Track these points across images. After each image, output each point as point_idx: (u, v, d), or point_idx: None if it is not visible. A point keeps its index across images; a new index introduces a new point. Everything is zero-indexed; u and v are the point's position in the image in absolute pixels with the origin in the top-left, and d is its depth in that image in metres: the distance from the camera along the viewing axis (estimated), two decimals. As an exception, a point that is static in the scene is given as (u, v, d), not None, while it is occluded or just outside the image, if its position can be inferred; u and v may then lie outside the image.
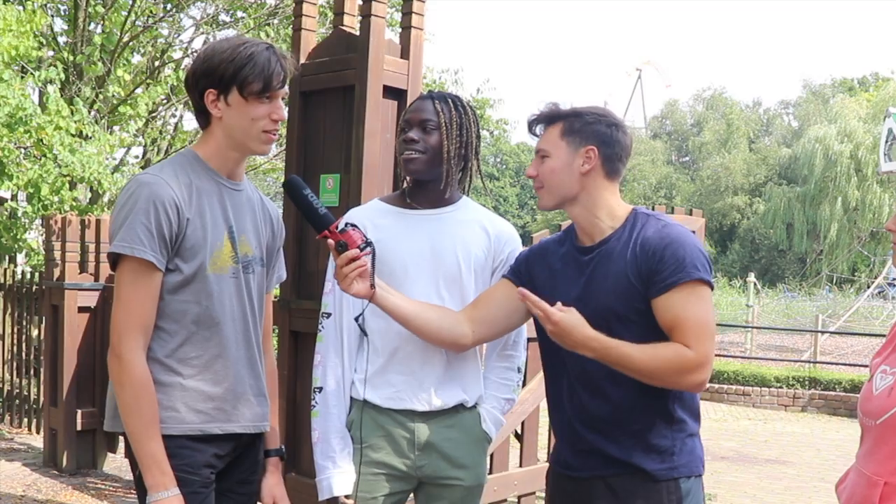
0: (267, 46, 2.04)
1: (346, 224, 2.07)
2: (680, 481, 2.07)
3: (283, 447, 2.31)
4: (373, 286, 2.11)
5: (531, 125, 2.20)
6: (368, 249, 2.07)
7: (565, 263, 2.16)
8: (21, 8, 7.17)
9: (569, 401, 2.15)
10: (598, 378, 2.07)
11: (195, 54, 10.04)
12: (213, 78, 2.00)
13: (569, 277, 2.14)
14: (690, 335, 1.96)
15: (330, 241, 2.06)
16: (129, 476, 2.14)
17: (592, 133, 2.10)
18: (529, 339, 2.47)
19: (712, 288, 2.04)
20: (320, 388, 2.33)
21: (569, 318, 1.96)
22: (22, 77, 7.44)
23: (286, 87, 2.06)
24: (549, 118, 2.16)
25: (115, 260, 1.96)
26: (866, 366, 4.15)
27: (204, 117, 2.06)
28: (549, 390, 2.25)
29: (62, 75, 7.48)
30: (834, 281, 28.33)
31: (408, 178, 2.36)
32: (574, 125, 2.11)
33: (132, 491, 2.19)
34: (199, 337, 2.01)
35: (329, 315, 2.35)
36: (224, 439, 2.07)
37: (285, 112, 2.09)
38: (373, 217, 2.35)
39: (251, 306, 2.12)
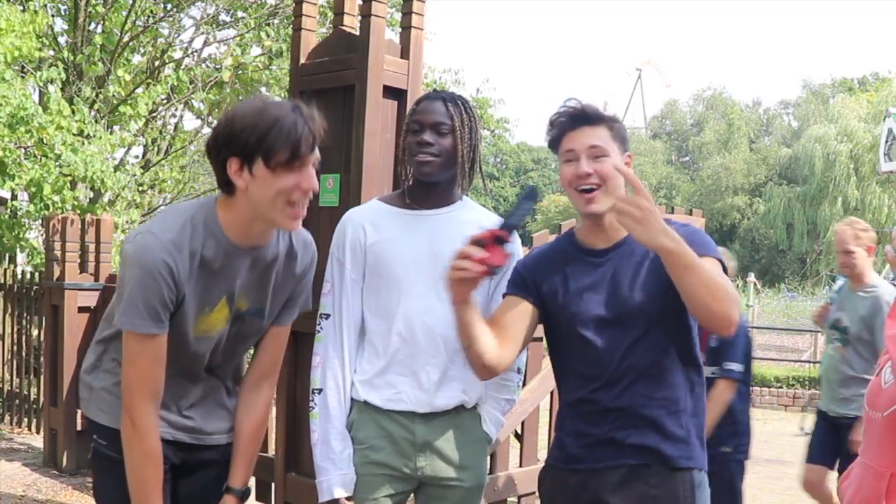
0: (293, 107, 1.88)
1: (506, 245, 1.95)
2: (693, 472, 2.10)
3: (249, 489, 2.24)
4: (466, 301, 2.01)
5: (574, 118, 2.10)
6: (494, 274, 1.96)
7: (574, 267, 2.12)
8: (22, 8, 7.17)
9: (577, 393, 2.14)
10: (616, 370, 2.08)
11: (193, 53, 10.01)
12: (236, 146, 1.86)
13: (582, 280, 2.12)
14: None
15: (485, 235, 1.92)
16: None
17: (627, 139, 2.14)
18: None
19: (725, 272, 2.08)
20: (319, 390, 2.33)
21: (654, 207, 1.89)
22: (22, 77, 7.44)
23: (317, 152, 1.91)
24: (595, 118, 2.09)
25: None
26: (866, 366, 4.15)
27: (228, 186, 1.93)
28: (557, 384, 2.24)
29: (63, 75, 7.48)
30: (834, 281, 28.34)
31: (412, 179, 2.35)
32: (620, 131, 2.11)
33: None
34: (168, 375, 2.03)
35: (328, 316, 2.34)
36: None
37: (316, 181, 1.93)
38: (372, 218, 2.34)
39: (233, 341, 2.11)
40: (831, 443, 4.24)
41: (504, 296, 2.22)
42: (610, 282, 2.09)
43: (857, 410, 3.99)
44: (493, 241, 1.91)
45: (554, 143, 2.15)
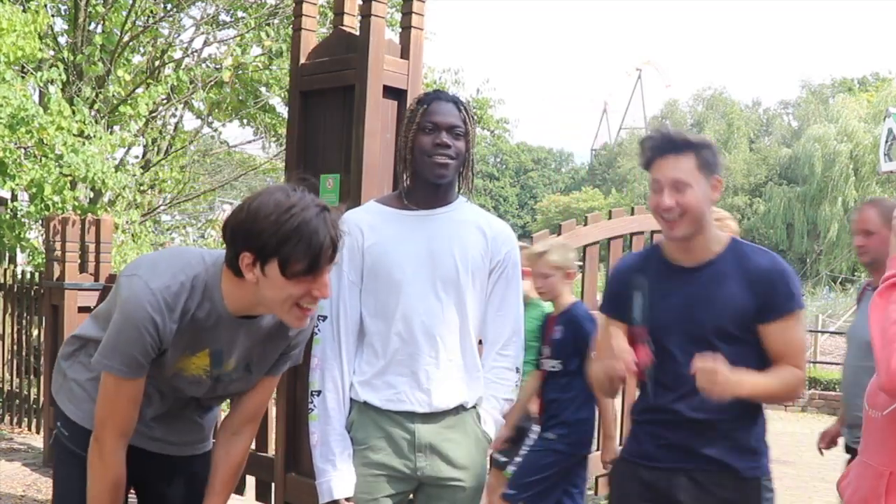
0: (318, 211, 1.80)
1: (646, 341, 2.19)
2: (762, 480, 2.26)
3: None
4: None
5: (661, 147, 2.23)
6: (643, 374, 2.22)
7: (659, 282, 2.26)
8: (23, 8, 7.17)
9: (657, 401, 2.27)
10: (695, 384, 2.16)
11: (193, 53, 9.99)
12: (253, 244, 1.79)
13: (669, 296, 2.24)
14: (796, 357, 2.24)
15: (628, 338, 2.20)
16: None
17: (717, 163, 2.25)
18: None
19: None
20: (318, 392, 2.32)
21: (728, 371, 2.10)
22: (23, 77, 7.44)
23: (336, 259, 1.86)
24: (682, 146, 2.21)
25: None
26: (866, 366, 4.11)
27: (238, 269, 1.85)
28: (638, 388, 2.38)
29: (63, 76, 7.48)
30: (834, 281, 28.33)
31: (411, 179, 2.35)
32: (707, 157, 2.22)
33: (131, 490, 2.23)
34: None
35: (325, 318, 2.34)
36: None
37: (330, 287, 1.89)
38: (369, 219, 2.34)
39: (217, 393, 2.11)
40: None
41: (605, 313, 2.39)
42: (696, 300, 2.22)
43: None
44: (635, 340, 2.17)
45: (646, 166, 2.29)
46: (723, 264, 2.23)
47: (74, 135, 6.88)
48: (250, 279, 1.83)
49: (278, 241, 1.76)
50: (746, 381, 2.14)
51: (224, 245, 1.90)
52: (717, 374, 2.09)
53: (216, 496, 2.15)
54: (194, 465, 2.21)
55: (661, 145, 2.22)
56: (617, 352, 2.17)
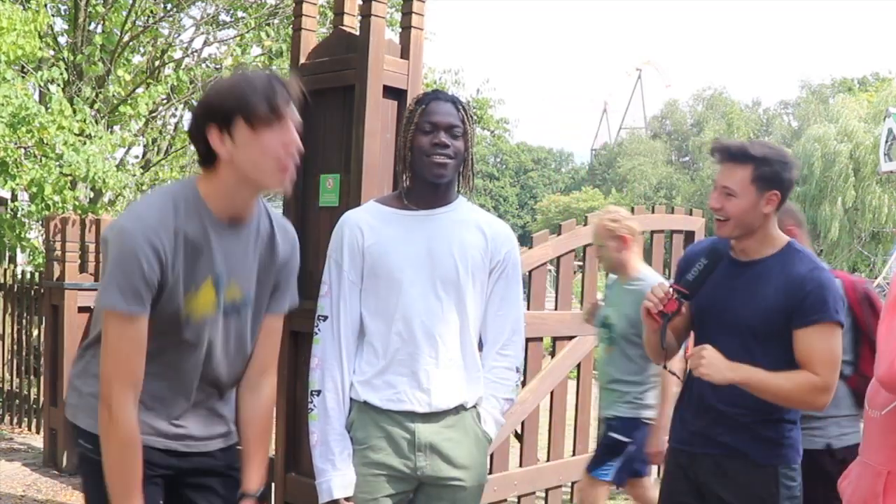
0: (266, 73, 1.94)
1: (680, 297, 2.37)
2: (779, 468, 2.37)
3: (262, 490, 2.18)
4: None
5: (721, 154, 2.38)
6: (666, 318, 2.39)
7: (721, 271, 2.40)
8: (23, 7, 7.17)
9: (691, 388, 2.47)
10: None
11: (193, 53, 9.99)
12: (216, 114, 1.89)
13: (721, 284, 2.39)
14: (818, 365, 2.28)
15: (670, 288, 2.39)
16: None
17: (778, 179, 2.34)
18: (529, 340, 2.48)
19: (842, 327, 2.34)
20: (318, 392, 2.32)
21: (714, 353, 2.27)
22: (23, 77, 7.44)
23: (296, 113, 1.94)
24: (740, 157, 2.34)
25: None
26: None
27: (209, 159, 1.94)
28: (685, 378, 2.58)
29: (64, 75, 7.48)
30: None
31: (410, 179, 2.35)
32: (765, 173, 2.33)
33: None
34: (159, 370, 1.99)
35: (325, 318, 2.34)
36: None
37: (299, 139, 1.94)
38: (369, 219, 2.34)
39: (234, 344, 2.09)
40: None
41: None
42: (735, 294, 2.37)
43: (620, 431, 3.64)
44: (675, 293, 2.36)
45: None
46: (769, 266, 2.36)
47: (75, 134, 6.88)
48: (224, 155, 1.89)
49: (235, 99, 1.87)
50: (740, 370, 2.25)
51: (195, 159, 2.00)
52: (703, 358, 2.26)
53: (254, 457, 2.14)
54: (223, 459, 2.18)
55: (722, 152, 2.40)
56: (655, 287, 2.39)
